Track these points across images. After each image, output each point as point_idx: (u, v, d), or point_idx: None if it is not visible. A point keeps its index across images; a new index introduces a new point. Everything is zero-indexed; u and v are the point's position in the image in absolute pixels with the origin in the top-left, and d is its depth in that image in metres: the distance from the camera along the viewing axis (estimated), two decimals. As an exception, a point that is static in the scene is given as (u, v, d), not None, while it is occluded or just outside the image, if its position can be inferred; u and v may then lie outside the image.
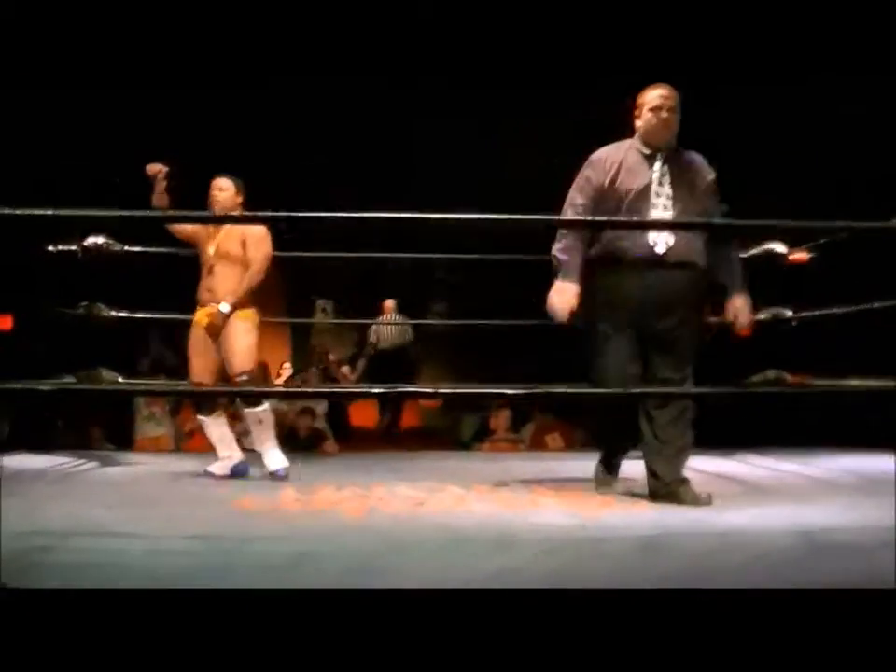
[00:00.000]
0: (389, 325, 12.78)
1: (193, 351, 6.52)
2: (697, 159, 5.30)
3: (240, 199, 6.52)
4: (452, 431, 11.12)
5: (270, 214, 4.45)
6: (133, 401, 9.73)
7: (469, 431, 10.88)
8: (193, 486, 5.99)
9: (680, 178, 5.17)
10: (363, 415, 12.43)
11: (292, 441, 9.57)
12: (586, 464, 7.20)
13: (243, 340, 6.37)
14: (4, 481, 5.86)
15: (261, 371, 11.01)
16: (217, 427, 6.58)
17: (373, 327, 12.86)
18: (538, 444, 10.06)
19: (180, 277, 9.66)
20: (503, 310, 8.89)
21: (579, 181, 5.25)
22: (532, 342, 10.51)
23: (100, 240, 6.71)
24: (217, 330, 6.33)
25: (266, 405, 6.44)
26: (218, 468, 6.51)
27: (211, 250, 6.48)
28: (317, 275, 13.35)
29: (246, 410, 6.52)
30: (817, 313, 6.78)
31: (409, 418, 13.15)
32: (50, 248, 6.81)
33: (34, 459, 7.15)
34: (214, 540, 4.01)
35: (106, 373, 6.68)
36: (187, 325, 6.54)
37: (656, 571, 3.46)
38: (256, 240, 6.40)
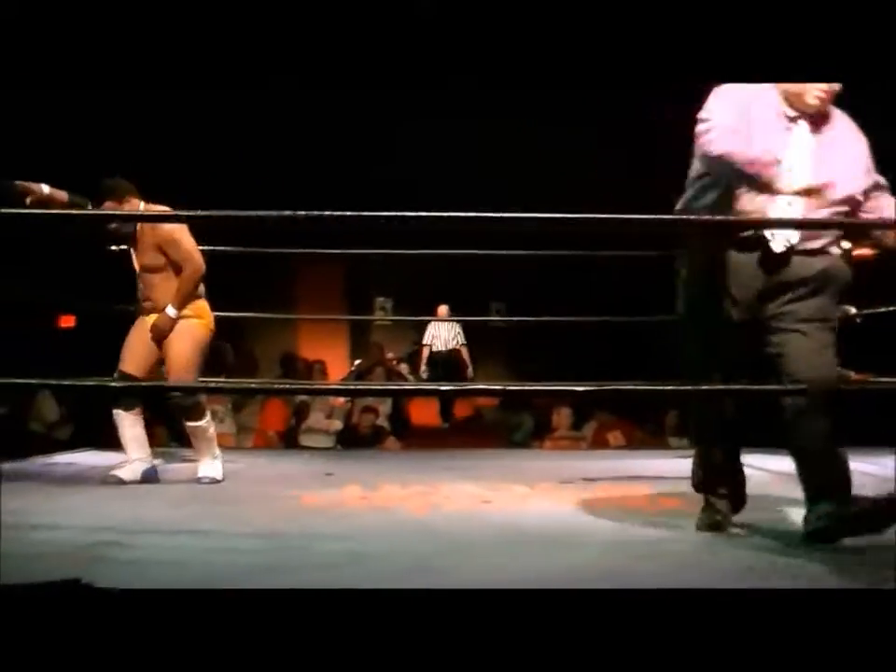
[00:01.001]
0: (445, 322, 12.81)
1: (129, 344, 6.00)
2: (848, 123, 4.10)
3: (127, 204, 5.91)
4: (512, 429, 11.11)
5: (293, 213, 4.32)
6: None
7: (528, 429, 10.88)
8: (257, 483, 6.00)
9: (828, 152, 3.99)
10: (423, 413, 12.45)
11: (354, 438, 9.64)
12: (648, 462, 7.21)
13: (182, 347, 5.90)
14: (70, 478, 5.93)
15: (321, 370, 11.07)
16: (132, 426, 5.93)
17: (429, 330, 12.96)
18: (599, 442, 10.05)
19: (240, 276, 9.73)
20: (563, 309, 8.88)
21: (710, 121, 3.92)
22: (590, 339, 10.51)
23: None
24: (162, 335, 5.91)
25: (206, 419, 6.05)
26: (128, 472, 5.86)
27: (135, 258, 6.06)
28: (377, 273, 13.39)
29: (186, 423, 6.05)
30: (882, 310, 6.70)
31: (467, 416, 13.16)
32: (112, 248, 6.81)
33: (100, 456, 7.18)
34: (278, 538, 4.03)
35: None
36: (248, 323, 6.48)
37: (717, 570, 3.45)
38: (170, 241, 5.86)
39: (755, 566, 3.48)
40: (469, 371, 12.95)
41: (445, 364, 12.70)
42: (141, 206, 5.94)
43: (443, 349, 12.93)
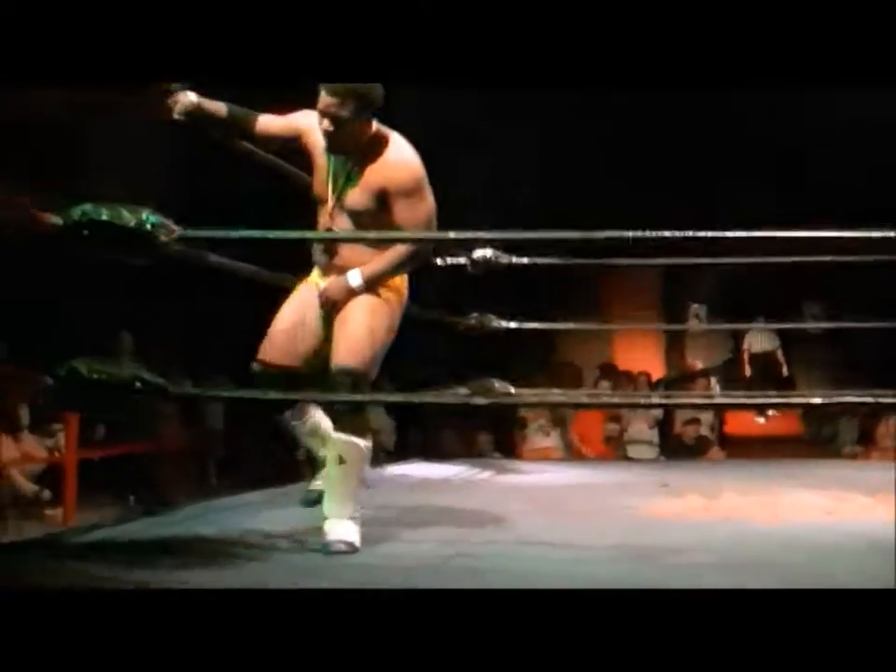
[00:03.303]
0: (761, 330, 12.69)
1: (281, 318, 4.19)
2: None
3: (364, 126, 4.00)
4: (831, 438, 10.88)
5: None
6: (523, 412, 9.84)
7: (848, 438, 10.64)
8: (593, 495, 5.99)
9: None
10: (739, 422, 12.34)
11: (678, 448, 9.62)
12: None
13: (362, 321, 4.02)
14: (412, 488, 6.06)
15: (645, 381, 11.00)
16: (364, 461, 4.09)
17: (748, 336, 12.89)
18: (928, 453, 9.68)
19: (571, 289, 9.79)
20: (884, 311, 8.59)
21: None
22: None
23: (488, 252, 6.78)
24: (329, 305, 4.08)
25: (367, 441, 4.01)
26: (352, 531, 3.96)
27: (330, 199, 4.11)
28: (691, 279, 13.30)
29: (334, 434, 4.02)
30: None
31: (787, 424, 12.93)
32: (439, 262, 6.91)
33: (430, 468, 7.31)
34: (636, 549, 4.03)
35: (498, 384, 6.80)
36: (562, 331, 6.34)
37: None
38: (412, 190, 4.00)
39: None
40: (784, 369, 12.85)
41: (763, 366, 12.67)
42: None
43: (760, 351, 12.87)
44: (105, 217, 3.21)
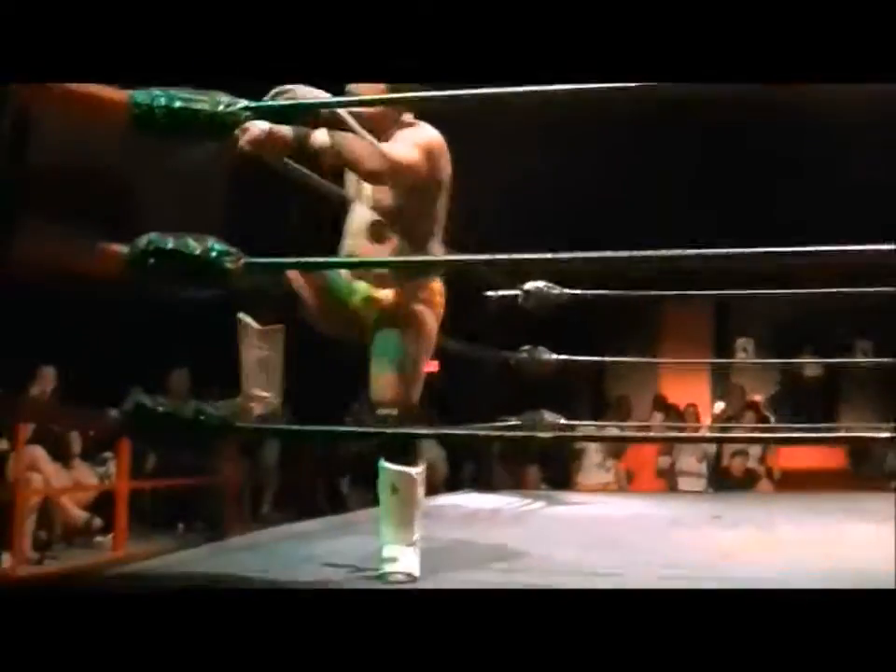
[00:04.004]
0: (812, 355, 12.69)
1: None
2: None
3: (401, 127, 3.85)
4: (875, 470, 10.84)
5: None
6: (579, 445, 9.79)
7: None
8: (650, 527, 5.98)
9: None
10: (784, 454, 12.26)
11: (726, 481, 9.58)
12: None
13: (393, 349, 3.79)
14: (462, 519, 6.04)
15: (693, 413, 10.95)
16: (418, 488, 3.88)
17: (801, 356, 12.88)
18: None
19: (624, 321, 9.73)
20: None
21: None
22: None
23: (540, 284, 6.76)
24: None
25: (418, 469, 3.82)
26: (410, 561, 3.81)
27: (356, 193, 3.98)
28: (738, 312, 13.24)
29: (385, 464, 3.80)
30: None
31: (831, 456, 12.83)
32: (490, 293, 6.89)
33: (482, 499, 7.29)
34: (719, 581, 3.90)
35: (549, 416, 6.78)
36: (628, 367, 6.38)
37: None
38: (407, 135, 3.79)
39: None
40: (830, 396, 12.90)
41: (811, 392, 12.69)
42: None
43: (812, 375, 12.86)
44: (171, 246, 3.24)
